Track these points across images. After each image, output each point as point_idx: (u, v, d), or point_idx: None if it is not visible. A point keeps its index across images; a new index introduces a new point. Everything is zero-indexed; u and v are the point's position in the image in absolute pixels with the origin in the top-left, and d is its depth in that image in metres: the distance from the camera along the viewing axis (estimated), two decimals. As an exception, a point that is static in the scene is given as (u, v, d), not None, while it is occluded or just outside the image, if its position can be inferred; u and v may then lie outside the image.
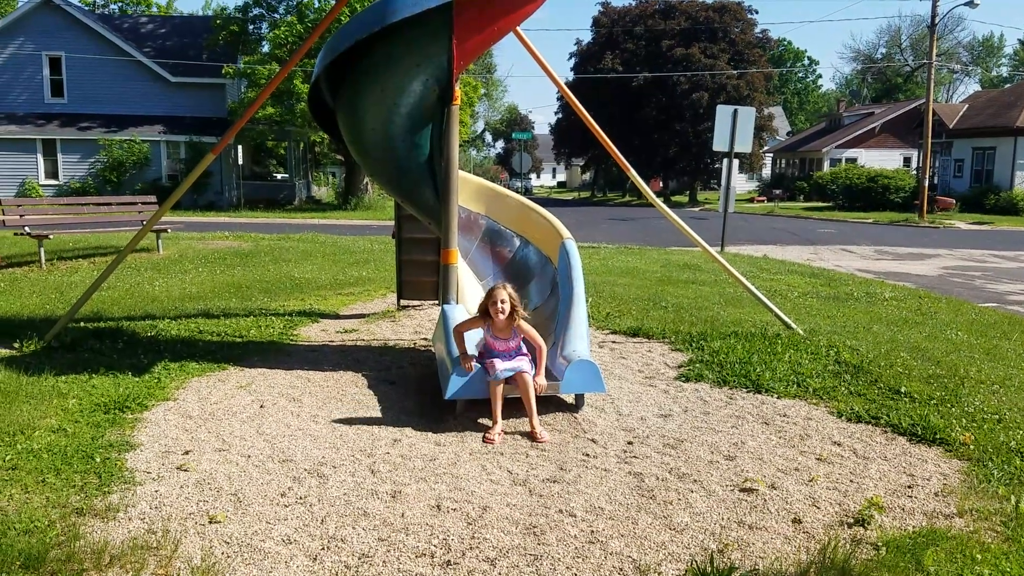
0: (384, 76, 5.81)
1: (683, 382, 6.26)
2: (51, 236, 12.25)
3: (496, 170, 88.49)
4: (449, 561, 3.35)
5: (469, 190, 7.48)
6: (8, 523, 3.56)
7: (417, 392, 5.91)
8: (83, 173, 32.06)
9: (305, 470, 4.34)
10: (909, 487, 4.28)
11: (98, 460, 4.34)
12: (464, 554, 3.41)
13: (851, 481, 4.33)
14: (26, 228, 12.01)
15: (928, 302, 10.45)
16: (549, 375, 5.29)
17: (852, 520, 3.82)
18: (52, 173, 32.25)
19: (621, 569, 3.31)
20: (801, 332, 7.78)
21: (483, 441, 4.86)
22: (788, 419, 5.38)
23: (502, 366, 5.12)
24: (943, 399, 5.77)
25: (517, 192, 8.72)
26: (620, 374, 6.48)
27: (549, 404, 5.41)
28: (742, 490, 4.16)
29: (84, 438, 4.68)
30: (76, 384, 5.81)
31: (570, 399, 5.55)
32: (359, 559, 3.37)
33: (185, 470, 4.30)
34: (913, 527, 3.77)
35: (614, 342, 7.67)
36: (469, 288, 6.66)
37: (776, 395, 5.91)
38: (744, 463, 4.55)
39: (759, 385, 6.08)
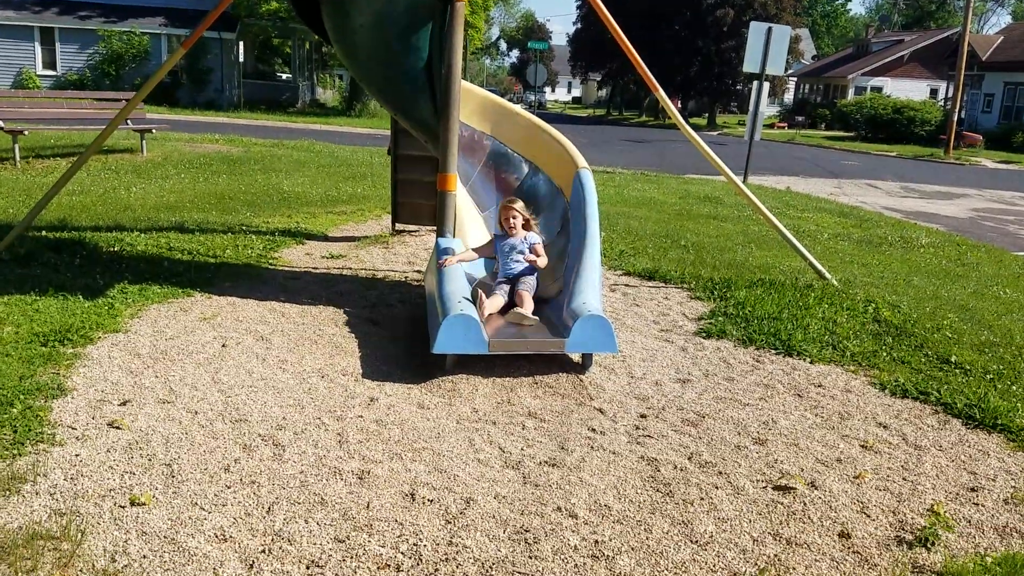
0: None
1: (703, 338, 5.53)
2: (26, 132, 11.35)
3: (510, 81, 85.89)
4: (417, 578, 2.70)
5: (473, 105, 6.58)
6: None
7: (404, 337, 5.21)
8: (81, 65, 30.77)
9: (259, 436, 3.66)
10: (972, 489, 3.61)
11: (17, 409, 3.66)
12: (438, 568, 2.75)
13: (904, 479, 3.66)
14: (0, 122, 11.12)
15: (968, 251, 9.67)
16: (554, 330, 4.58)
17: (912, 537, 3.15)
18: (50, 63, 30.95)
19: (631, 601, 2.66)
20: (836, 283, 7.02)
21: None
22: (824, 391, 4.68)
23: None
24: (1000, 373, 5.07)
25: (530, 107, 7.78)
26: (633, 325, 5.76)
27: (552, 363, 4.70)
28: (776, 488, 3.48)
29: (10, 378, 4.00)
30: (18, 307, 5.11)
31: (576, 358, 4.84)
32: (306, 568, 2.71)
33: (117, 427, 3.63)
34: (985, 549, 3.11)
35: (627, 285, 6.92)
36: (469, 219, 5.87)
37: (809, 359, 5.19)
38: (777, 450, 3.86)
39: (790, 346, 5.35)
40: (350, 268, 6.92)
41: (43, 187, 9.52)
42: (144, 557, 2.70)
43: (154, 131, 13.40)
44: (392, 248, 7.83)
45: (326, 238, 8.08)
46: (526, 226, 5.19)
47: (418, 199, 8.10)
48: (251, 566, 2.70)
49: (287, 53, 40.79)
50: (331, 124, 27.62)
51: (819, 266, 7.19)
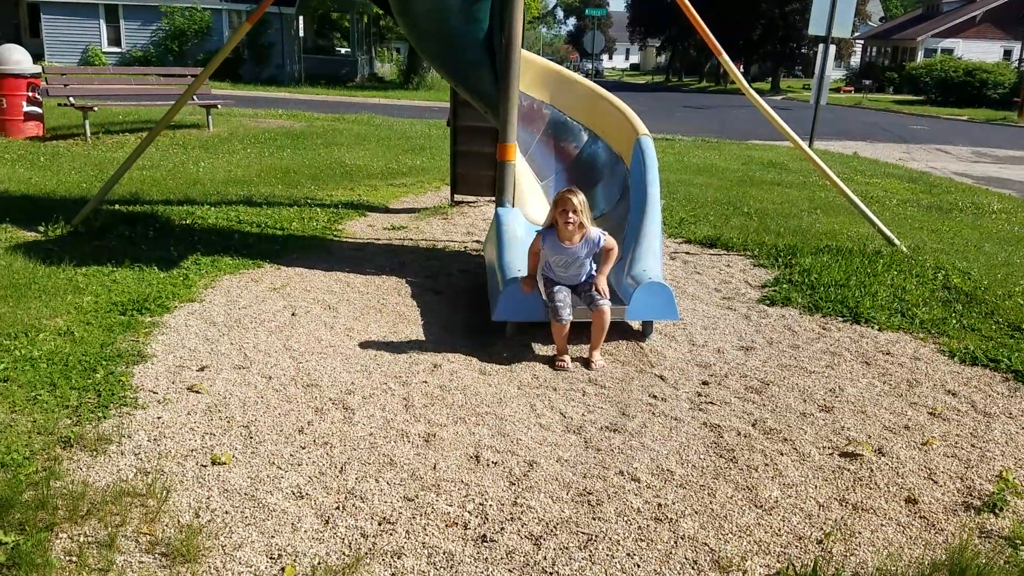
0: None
1: (767, 306, 5.48)
2: (96, 108, 11.72)
3: (566, 50, 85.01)
4: (484, 536, 2.77)
5: (532, 74, 6.57)
6: (-17, 454, 3.10)
7: (465, 305, 5.29)
8: (145, 41, 31.49)
9: (330, 399, 3.78)
10: (1044, 457, 3.53)
11: (100, 375, 3.85)
12: (503, 527, 2.83)
13: (972, 446, 3.60)
14: (70, 99, 11.50)
15: (1044, 216, 9.30)
16: (614, 297, 4.59)
17: (979, 503, 3.11)
18: (115, 40, 31.74)
19: (695, 562, 2.69)
20: (905, 249, 6.85)
21: (554, 367, 4.27)
22: (893, 358, 4.60)
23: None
24: (1075, 341, 4.90)
25: (587, 75, 7.73)
26: (694, 293, 5.73)
27: (612, 331, 4.70)
28: (843, 454, 3.46)
29: (92, 345, 4.20)
30: (96, 278, 5.34)
31: (636, 325, 4.85)
32: (378, 525, 2.82)
33: (196, 392, 3.79)
34: (1057, 517, 3.05)
35: (688, 253, 6.87)
36: (528, 189, 5.90)
37: (877, 326, 5.10)
38: (843, 417, 3.83)
39: (857, 313, 5.26)
40: (411, 239, 7.02)
41: (113, 162, 9.86)
42: (226, 513, 2.84)
43: (219, 106, 13.70)
44: (451, 219, 7.91)
45: (387, 210, 8.20)
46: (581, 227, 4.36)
47: (477, 170, 8.15)
48: (327, 521, 2.81)
49: (345, 27, 41.02)
50: (390, 97, 27.77)
51: (888, 232, 7.02)
